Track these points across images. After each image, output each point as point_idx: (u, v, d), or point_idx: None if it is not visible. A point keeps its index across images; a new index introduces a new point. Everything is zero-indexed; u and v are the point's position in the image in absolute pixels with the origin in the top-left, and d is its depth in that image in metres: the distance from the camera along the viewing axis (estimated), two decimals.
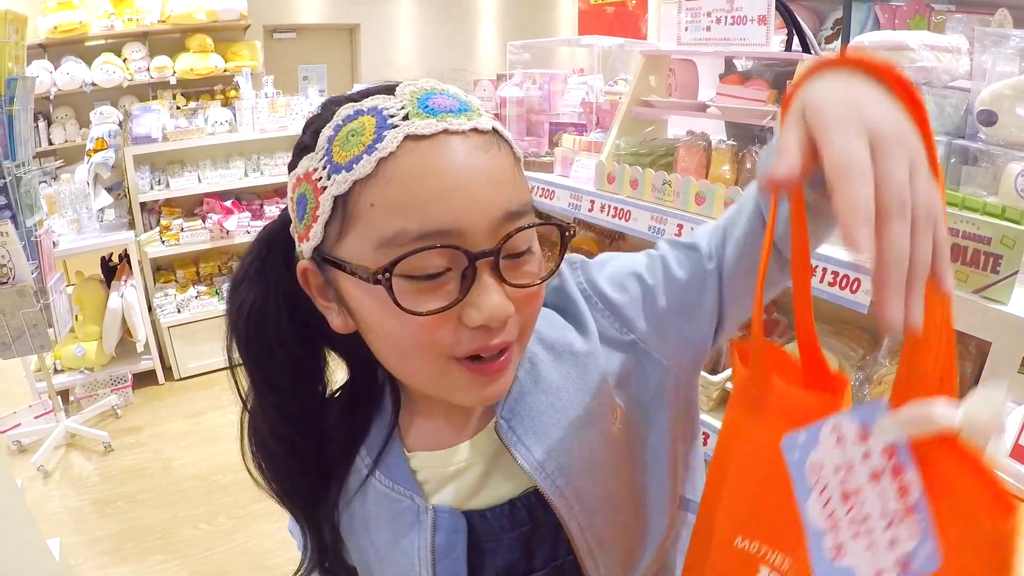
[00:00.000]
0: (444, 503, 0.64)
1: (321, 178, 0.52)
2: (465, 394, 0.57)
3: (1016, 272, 0.95)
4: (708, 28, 1.52)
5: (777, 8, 1.38)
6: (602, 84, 2.12)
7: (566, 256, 0.63)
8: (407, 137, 0.50)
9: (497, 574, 0.64)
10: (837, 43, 2.13)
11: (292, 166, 0.57)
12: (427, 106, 0.52)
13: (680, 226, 1.45)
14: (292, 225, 0.59)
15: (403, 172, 0.49)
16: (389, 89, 0.54)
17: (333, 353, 0.69)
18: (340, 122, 0.53)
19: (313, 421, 0.67)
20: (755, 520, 0.51)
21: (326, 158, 0.52)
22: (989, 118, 1.12)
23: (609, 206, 1.62)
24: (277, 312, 0.61)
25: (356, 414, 0.68)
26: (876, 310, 0.37)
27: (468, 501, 0.64)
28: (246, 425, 0.65)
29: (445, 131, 0.51)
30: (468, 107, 0.54)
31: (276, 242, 0.62)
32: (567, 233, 0.57)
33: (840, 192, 0.38)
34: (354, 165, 0.50)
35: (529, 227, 0.53)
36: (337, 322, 0.58)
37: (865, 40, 1.21)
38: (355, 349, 0.62)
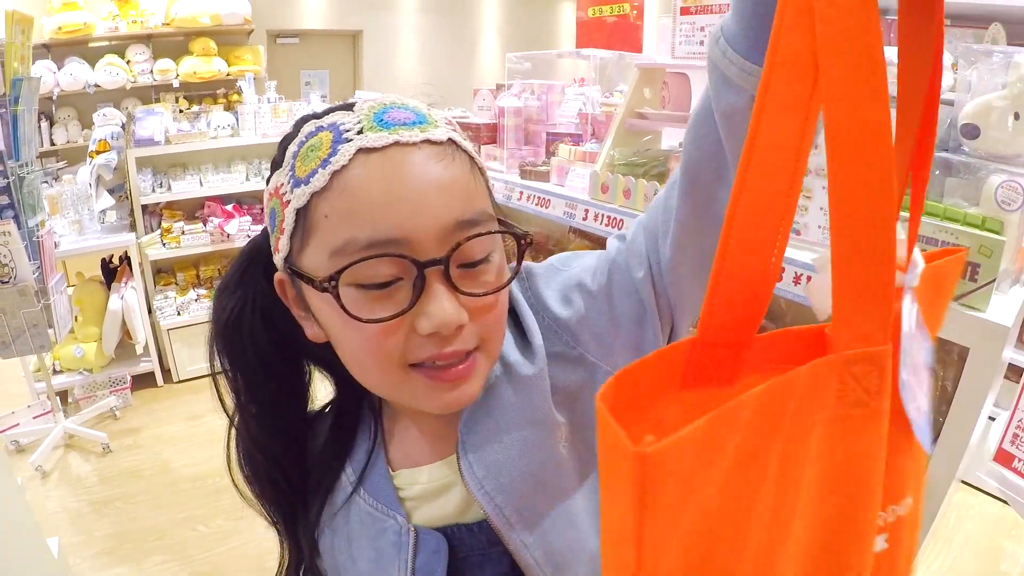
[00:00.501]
0: (433, 519, 0.64)
1: (286, 192, 0.55)
2: (427, 401, 0.57)
3: (993, 280, 0.98)
4: (702, 43, 1.55)
5: None
6: (599, 95, 2.15)
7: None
8: (359, 150, 0.52)
9: None
10: None
11: (267, 181, 0.59)
12: (382, 120, 0.53)
13: None
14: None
15: (354, 184, 0.51)
16: (349, 106, 0.56)
17: (319, 370, 0.70)
18: (303, 138, 0.55)
19: (297, 435, 0.69)
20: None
21: (290, 173, 0.55)
22: (972, 131, 1.14)
23: (603, 215, 1.65)
24: (253, 319, 0.63)
25: (342, 430, 0.69)
26: None
27: (457, 516, 0.63)
28: (233, 436, 0.67)
29: (396, 143, 0.52)
30: (424, 119, 0.55)
31: (258, 254, 0.64)
32: (523, 241, 0.56)
33: None
34: (311, 178, 0.52)
35: (480, 235, 0.53)
36: (311, 332, 0.60)
37: None
38: (338, 364, 0.63)
